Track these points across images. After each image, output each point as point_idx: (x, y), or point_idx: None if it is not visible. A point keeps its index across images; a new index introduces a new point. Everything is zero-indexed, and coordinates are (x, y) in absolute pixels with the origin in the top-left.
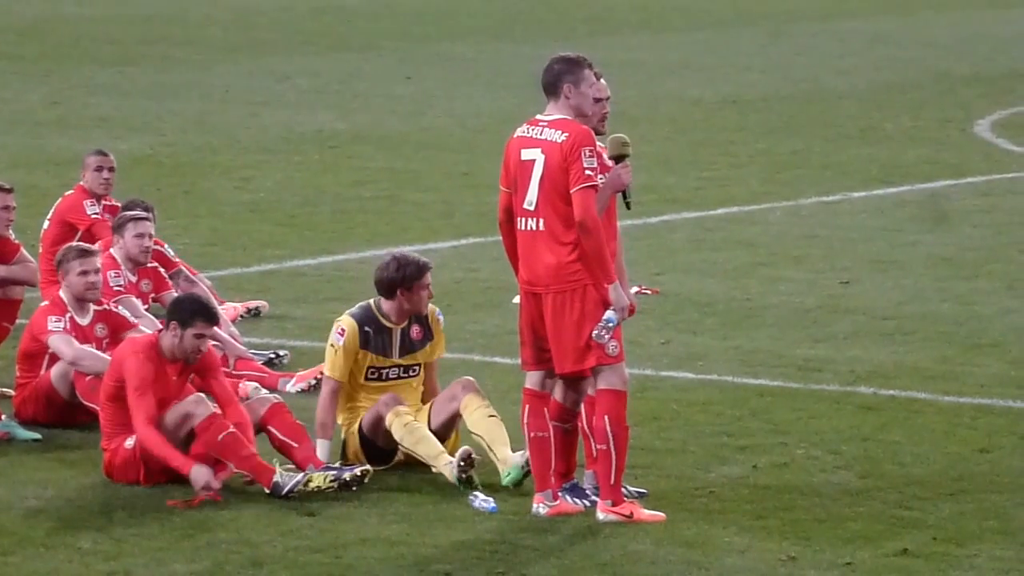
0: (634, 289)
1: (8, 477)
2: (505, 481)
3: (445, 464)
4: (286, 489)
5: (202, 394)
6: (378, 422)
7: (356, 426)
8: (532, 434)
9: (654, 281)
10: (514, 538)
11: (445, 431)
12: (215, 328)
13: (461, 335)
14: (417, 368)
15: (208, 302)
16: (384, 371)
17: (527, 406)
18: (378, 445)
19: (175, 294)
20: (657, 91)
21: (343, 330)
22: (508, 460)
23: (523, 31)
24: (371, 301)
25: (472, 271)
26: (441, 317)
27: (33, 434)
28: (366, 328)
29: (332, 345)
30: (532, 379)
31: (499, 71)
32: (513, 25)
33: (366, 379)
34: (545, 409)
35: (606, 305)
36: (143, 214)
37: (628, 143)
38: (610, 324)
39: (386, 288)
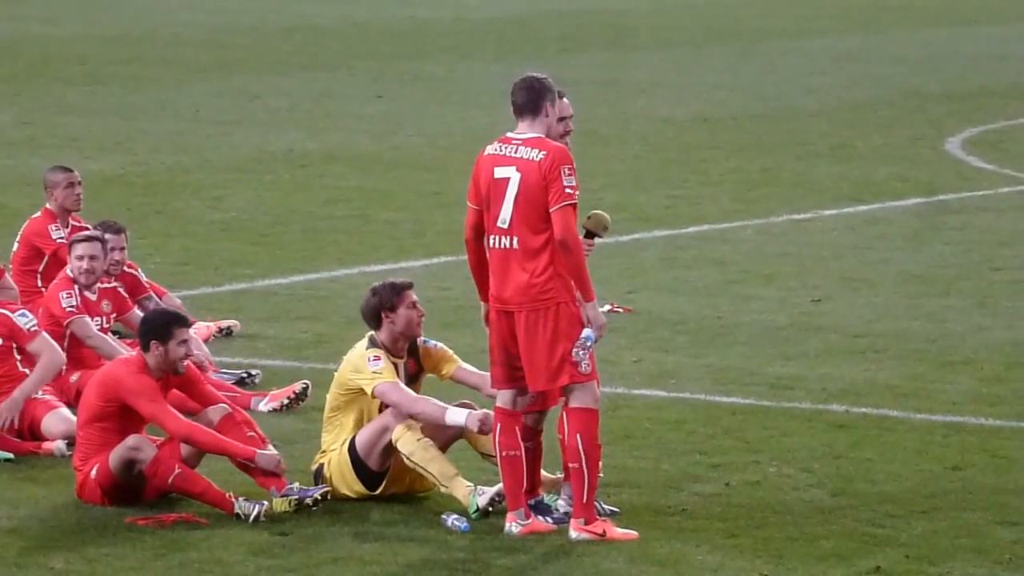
0: (605, 307)
1: None
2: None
3: (463, 486)
4: (251, 519)
5: (142, 436)
6: (379, 436)
7: (345, 444)
8: (504, 453)
9: (626, 299)
10: (487, 557)
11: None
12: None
13: None
14: None
15: (174, 309)
16: None
17: (498, 424)
18: (368, 467)
19: (138, 312)
20: (628, 109)
21: (378, 356)
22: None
23: (494, 50)
24: (368, 341)
25: (444, 290)
26: (433, 344)
27: (5, 454)
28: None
29: (375, 372)
30: (503, 398)
31: (470, 90)
32: (484, 44)
33: (382, 409)
34: (516, 428)
35: (581, 323)
36: (95, 234)
37: (608, 229)
38: (588, 342)
39: (372, 317)
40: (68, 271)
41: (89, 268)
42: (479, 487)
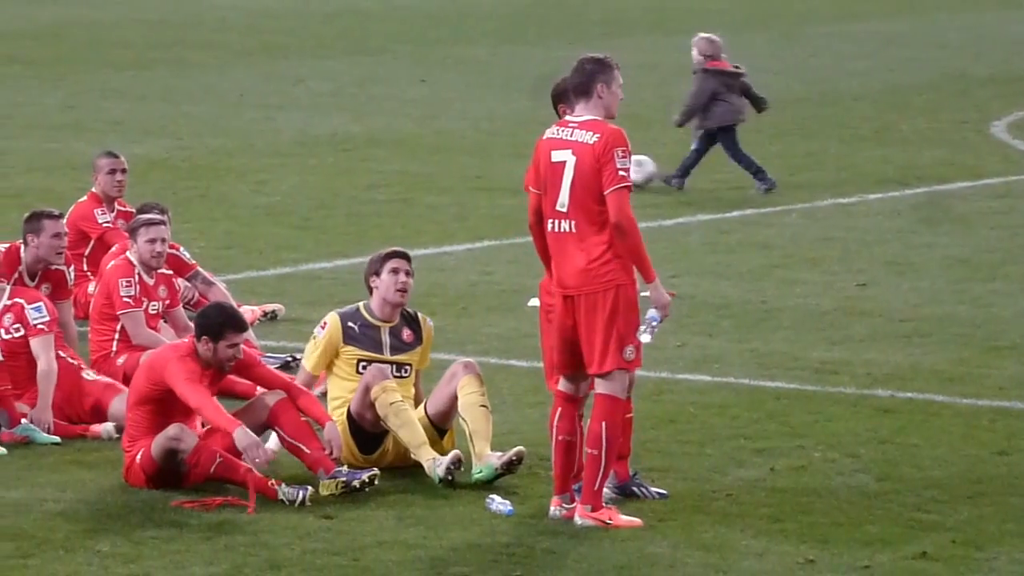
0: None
1: (27, 480)
2: (475, 477)
3: (426, 457)
4: (296, 504)
5: (183, 425)
6: (364, 395)
7: (344, 411)
8: (560, 437)
9: (670, 283)
10: (531, 541)
11: (444, 418)
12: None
13: (476, 338)
14: (408, 369)
15: (233, 310)
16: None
17: (559, 409)
18: (365, 430)
19: (180, 310)
20: (671, 93)
21: (325, 323)
22: (483, 457)
23: (536, 34)
24: (360, 303)
25: (487, 274)
26: (431, 325)
27: (52, 438)
28: (350, 323)
29: (313, 338)
30: (565, 383)
31: (512, 74)
32: (526, 28)
33: (358, 372)
34: (576, 414)
35: (636, 306)
36: (157, 218)
37: None
38: (654, 322)
39: (365, 281)
40: (130, 255)
41: (161, 251)
42: (438, 458)
